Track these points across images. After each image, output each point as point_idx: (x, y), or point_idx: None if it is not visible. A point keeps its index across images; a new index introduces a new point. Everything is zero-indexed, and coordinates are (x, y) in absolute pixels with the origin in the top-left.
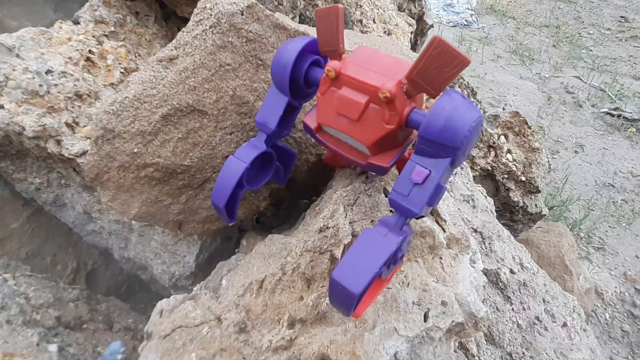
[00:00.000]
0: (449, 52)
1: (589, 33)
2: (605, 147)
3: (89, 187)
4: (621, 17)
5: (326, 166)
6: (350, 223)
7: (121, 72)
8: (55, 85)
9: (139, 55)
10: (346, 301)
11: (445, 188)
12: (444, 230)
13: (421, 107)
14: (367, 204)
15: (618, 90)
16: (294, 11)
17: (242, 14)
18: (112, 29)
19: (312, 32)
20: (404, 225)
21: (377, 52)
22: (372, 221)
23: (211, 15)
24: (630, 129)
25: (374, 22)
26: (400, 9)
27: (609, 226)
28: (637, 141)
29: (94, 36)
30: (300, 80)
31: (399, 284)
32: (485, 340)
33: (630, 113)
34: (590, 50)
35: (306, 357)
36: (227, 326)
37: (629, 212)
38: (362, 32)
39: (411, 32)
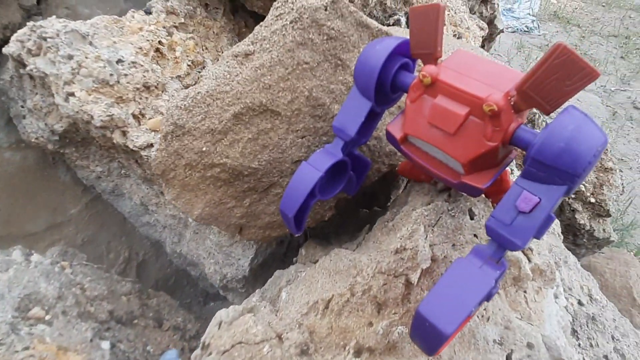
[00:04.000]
0: (576, 62)
1: None
2: None
3: (149, 180)
4: None
5: (387, 175)
6: (430, 246)
7: (188, 65)
8: (125, 75)
9: (206, 48)
10: (432, 340)
11: (554, 219)
12: (529, 260)
13: (523, 123)
14: (449, 226)
15: None
16: (364, 9)
17: (326, 10)
18: (182, 20)
19: (394, 32)
20: (501, 257)
21: (478, 57)
22: (453, 245)
23: (292, 9)
24: None
25: (444, 25)
26: (471, 11)
27: None
28: None
29: (164, 27)
30: (387, 85)
31: (478, 317)
32: None
33: None
34: None
35: None
36: (288, 347)
37: None
38: None
39: (482, 37)
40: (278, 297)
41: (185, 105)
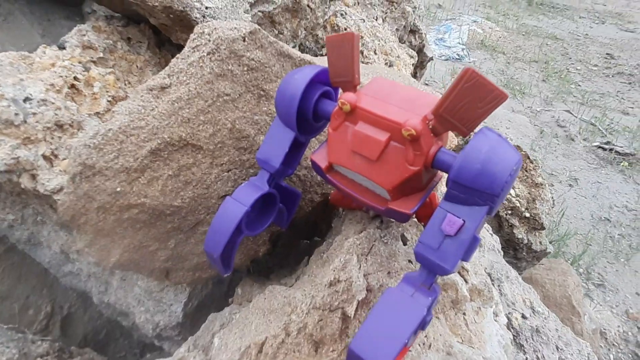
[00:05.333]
0: (484, 85)
1: (577, 69)
2: (599, 181)
3: (67, 226)
4: (607, 54)
5: (328, 204)
6: (364, 276)
7: (108, 101)
8: (34, 114)
9: (129, 83)
10: None
11: (480, 240)
12: (465, 281)
13: (446, 146)
14: (383, 253)
15: (608, 125)
16: (295, 40)
17: (244, 40)
18: (101, 55)
19: (318, 61)
20: (432, 283)
21: (395, 83)
22: (388, 273)
23: (209, 41)
24: (622, 163)
25: (375, 54)
26: (400, 40)
27: (608, 262)
28: (630, 175)
29: (80, 62)
30: (309, 114)
31: (419, 345)
32: None
33: (622, 147)
34: (579, 85)
35: None
36: None
37: (627, 247)
38: (362, 63)
39: (413, 64)
40: (211, 344)
41: (94, 143)
